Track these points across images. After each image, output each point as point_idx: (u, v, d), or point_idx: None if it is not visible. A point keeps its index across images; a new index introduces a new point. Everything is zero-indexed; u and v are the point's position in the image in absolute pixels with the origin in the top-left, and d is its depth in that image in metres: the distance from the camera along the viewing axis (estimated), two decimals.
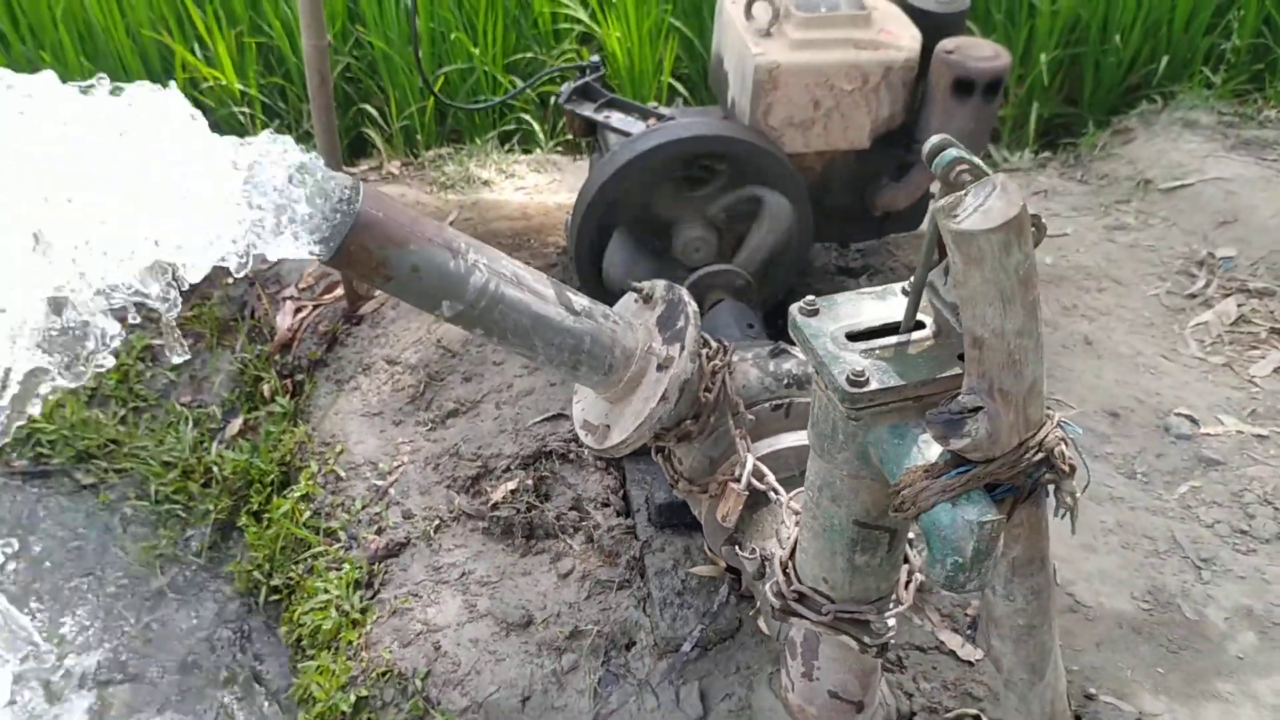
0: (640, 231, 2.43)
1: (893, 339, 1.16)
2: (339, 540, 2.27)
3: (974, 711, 1.86)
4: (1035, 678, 1.39)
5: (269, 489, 2.60)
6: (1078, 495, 1.11)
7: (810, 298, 1.21)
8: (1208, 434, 2.46)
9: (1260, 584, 2.12)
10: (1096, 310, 2.87)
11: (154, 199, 1.08)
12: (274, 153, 1.24)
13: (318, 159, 1.27)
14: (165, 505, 2.71)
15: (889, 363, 1.12)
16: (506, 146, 3.73)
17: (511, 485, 2.25)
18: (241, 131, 1.20)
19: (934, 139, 1.04)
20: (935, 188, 2.57)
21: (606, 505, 2.22)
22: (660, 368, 1.58)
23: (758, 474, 1.64)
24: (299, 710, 2.08)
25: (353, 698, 1.94)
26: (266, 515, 2.51)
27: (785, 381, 1.78)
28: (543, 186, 3.44)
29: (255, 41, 3.64)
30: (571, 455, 2.32)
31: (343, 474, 2.40)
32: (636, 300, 1.72)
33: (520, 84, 3.83)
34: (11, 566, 2.60)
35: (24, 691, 2.33)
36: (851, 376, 1.09)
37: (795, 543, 1.41)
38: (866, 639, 1.38)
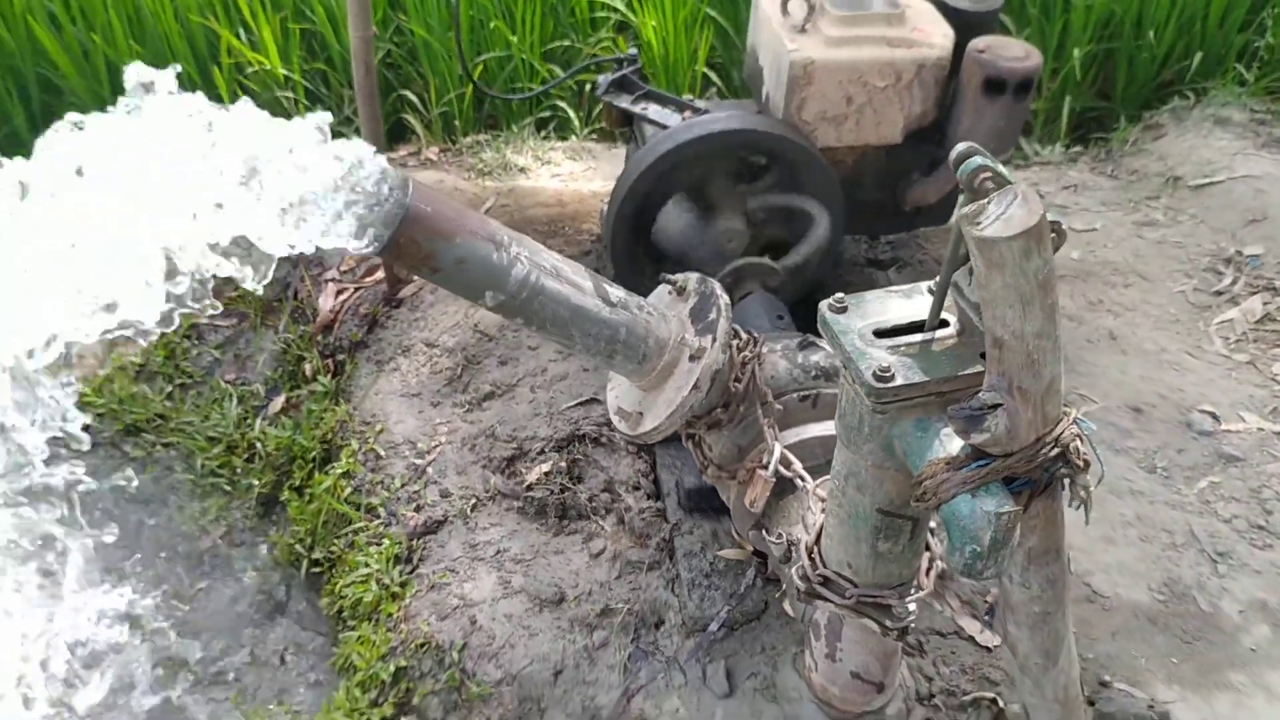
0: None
1: (918, 337, 1.21)
2: (379, 516, 2.35)
3: (991, 695, 1.92)
4: (1049, 663, 1.44)
5: (310, 465, 2.68)
6: (1091, 489, 1.16)
7: (839, 295, 1.26)
8: (1229, 431, 2.50)
9: (1275, 578, 2.16)
10: (1122, 306, 2.91)
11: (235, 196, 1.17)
12: (331, 147, 1.31)
13: (378, 156, 1.34)
14: (210, 479, 2.81)
15: (914, 359, 1.17)
16: (543, 133, 3.79)
17: (545, 467, 2.33)
18: (285, 116, 1.26)
19: (960, 146, 1.09)
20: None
21: (637, 488, 2.28)
22: (693, 358, 1.64)
23: (785, 462, 1.70)
24: (340, 678, 2.16)
25: (392, 667, 2.02)
26: (308, 491, 2.60)
27: (813, 373, 1.83)
28: (578, 174, 3.50)
29: (299, 27, 3.72)
30: (603, 439, 2.38)
31: (382, 452, 2.48)
32: (670, 292, 1.78)
33: (557, 71, 3.89)
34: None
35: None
36: (878, 372, 1.15)
37: (821, 529, 1.47)
38: (888, 622, 1.44)
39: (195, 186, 1.18)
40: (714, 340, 1.62)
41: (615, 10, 3.91)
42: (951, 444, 1.13)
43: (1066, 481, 1.16)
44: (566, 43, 3.94)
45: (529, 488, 2.29)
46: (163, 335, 2.60)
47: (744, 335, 1.74)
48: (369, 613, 2.19)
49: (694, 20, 3.80)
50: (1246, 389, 2.63)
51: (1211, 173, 3.37)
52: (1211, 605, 2.11)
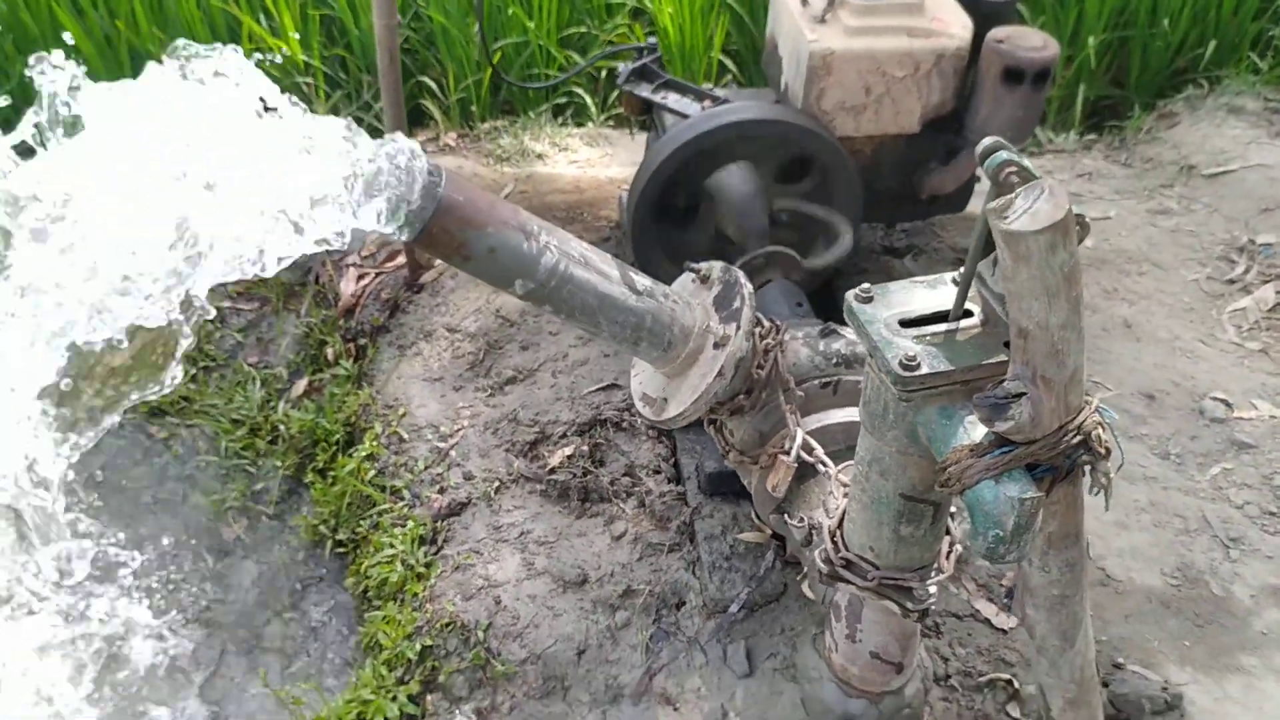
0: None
1: (942, 326, 1.24)
2: (403, 498, 2.39)
3: (1006, 676, 1.96)
4: (1066, 645, 1.48)
5: (334, 448, 2.73)
6: (1112, 475, 1.20)
7: (865, 285, 1.29)
8: (1241, 418, 2.53)
9: None
10: (1136, 294, 2.94)
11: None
12: (365, 138, 1.35)
13: (411, 145, 1.37)
14: (234, 461, 2.85)
15: (939, 348, 1.21)
16: (560, 120, 3.82)
17: (568, 451, 2.36)
18: (305, 102, 1.31)
19: (986, 141, 1.12)
20: (981, 173, 2.65)
21: (658, 472, 2.32)
22: (717, 345, 1.67)
23: (806, 447, 1.73)
24: (366, 656, 2.20)
25: (418, 646, 2.06)
26: (331, 473, 2.64)
27: (834, 360, 1.86)
28: (594, 160, 3.53)
29: (319, 13, 3.74)
30: (625, 424, 2.42)
31: (405, 436, 2.52)
32: (694, 280, 1.81)
33: (574, 56, 3.91)
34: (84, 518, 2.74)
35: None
36: (904, 361, 1.18)
37: (844, 513, 1.51)
38: (909, 604, 1.48)
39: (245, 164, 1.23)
40: (738, 328, 1.65)
41: None
42: (975, 431, 1.17)
43: (1087, 468, 1.19)
44: (583, 29, 3.96)
45: (551, 471, 2.33)
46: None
47: (766, 323, 1.76)
48: (394, 592, 2.23)
49: (710, 7, 3.82)
50: (1259, 377, 2.66)
51: (1225, 161, 3.39)
52: (1224, 589, 2.14)
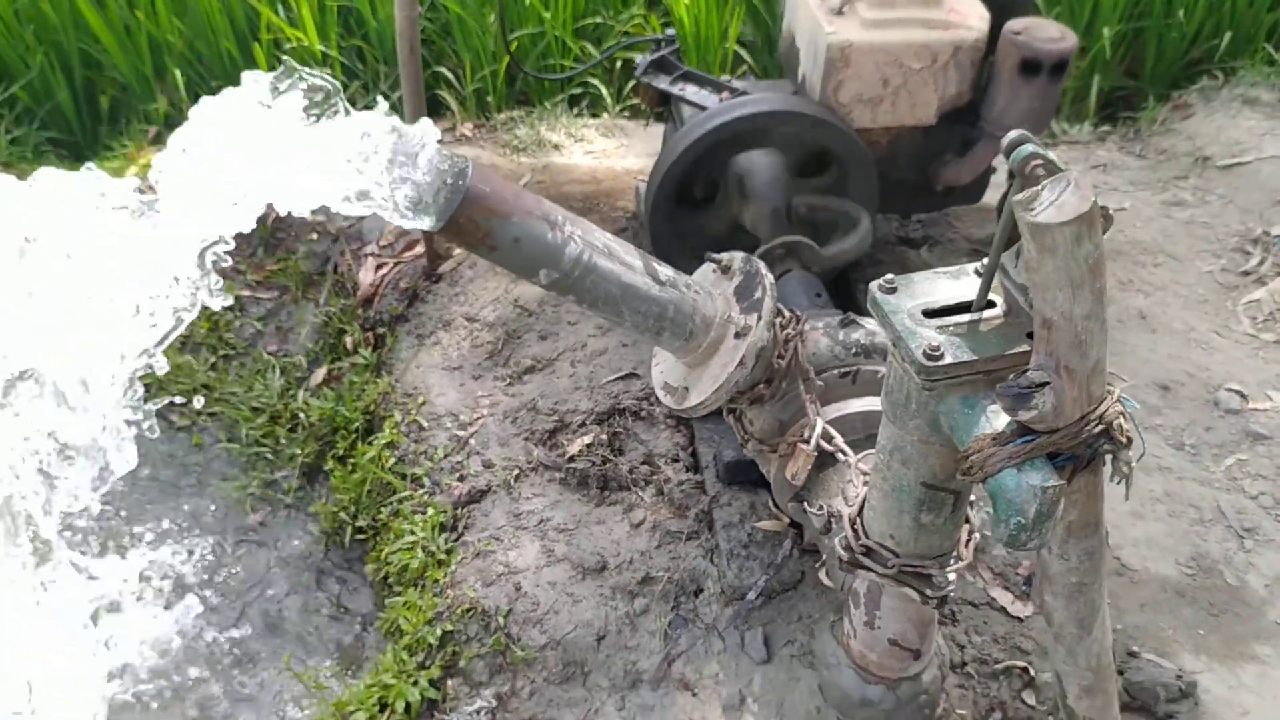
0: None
1: (966, 316, 1.25)
2: (423, 486, 2.41)
3: (1022, 664, 1.97)
4: (1084, 632, 1.49)
5: (353, 436, 2.75)
6: (1133, 465, 1.21)
7: (889, 276, 1.31)
8: (1256, 409, 2.54)
9: None
10: (1152, 285, 2.95)
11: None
12: (397, 130, 1.37)
13: (438, 136, 1.39)
14: (254, 448, 2.88)
15: (962, 338, 1.22)
16: (575, 110, 3.83)
17: (586, 439, 2.39)
18: None
19: (1012, 134, 1.13)
20: (998, 164, 2.65)
21: (676, 461, 2.34)
22: (738, 335, 1.69)
23: (826, 436, 1.75)
24: (387, 641, 2.23)
25: (439, 631, 2.08)
26: (351, 460, 2.66)
27: (854, 350, 1.88)
28: (610, 151, 3.54)
29: (336, 4, 3.76)
30: (643, 413, 2.44)
31: (425, 424, 2.54)
32: (715, 270, 1.83)
33: (589, 47, 3.92)
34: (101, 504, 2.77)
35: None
36: (928, 350, 1.20)
37: (864, 501, 1.52)
38: (928, 591, 1.49)
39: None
40: (759, 318, 1.67)
41: None
42: (998, 420, 1.18)
43: (1109, 457, 1.21)
44: (598, 19, 3.98)
45: (570, 459, 2.35)
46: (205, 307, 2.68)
47: (786, 313, 1.78)
48: (415, 579, 2.26)
49: None
50: (1273, 368, 2.67)
51: (1240, 153, 3.39)
52: (1238, 579, 2.16)
